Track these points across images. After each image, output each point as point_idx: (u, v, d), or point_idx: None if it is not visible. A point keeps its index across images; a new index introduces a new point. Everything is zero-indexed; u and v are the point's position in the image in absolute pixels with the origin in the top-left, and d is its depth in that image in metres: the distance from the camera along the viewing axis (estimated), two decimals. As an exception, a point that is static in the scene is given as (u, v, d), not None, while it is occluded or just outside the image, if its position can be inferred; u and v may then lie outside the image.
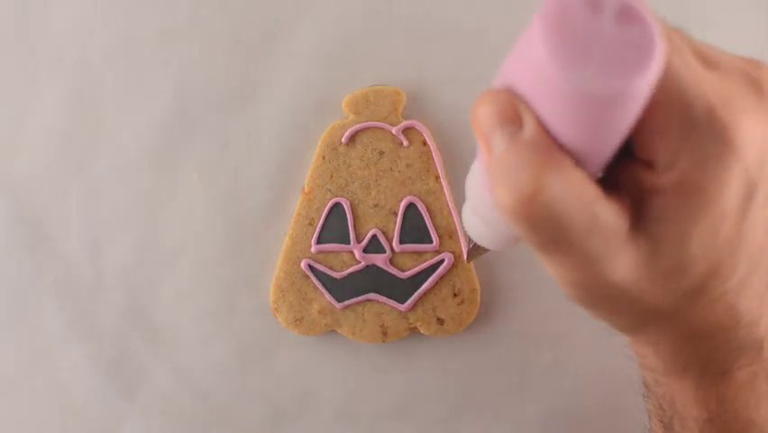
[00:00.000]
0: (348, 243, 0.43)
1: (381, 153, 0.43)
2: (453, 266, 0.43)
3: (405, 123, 0.43)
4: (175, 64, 0.44)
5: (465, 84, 0.44)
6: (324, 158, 0.43)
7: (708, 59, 0.25)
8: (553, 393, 0.45)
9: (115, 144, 0.44)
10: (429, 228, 0.43)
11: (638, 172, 0.24)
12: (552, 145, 0.23)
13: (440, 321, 0.44)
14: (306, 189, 0.43)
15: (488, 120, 0.24)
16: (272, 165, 0.44)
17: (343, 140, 0.43)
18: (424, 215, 0.43)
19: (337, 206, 0.43)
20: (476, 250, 0.33)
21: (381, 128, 0.43)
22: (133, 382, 0.45)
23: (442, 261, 0.43)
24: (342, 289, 0.43)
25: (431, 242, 0.43)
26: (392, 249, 0.43)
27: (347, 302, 0.43)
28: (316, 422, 0.45)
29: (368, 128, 0.43)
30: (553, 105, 0.23)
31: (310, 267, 0.43)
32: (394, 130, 0.43)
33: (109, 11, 0.44)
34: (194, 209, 0.44)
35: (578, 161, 0.23)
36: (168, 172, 0.44)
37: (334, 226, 0.43)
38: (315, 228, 0.43)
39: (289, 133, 0.44)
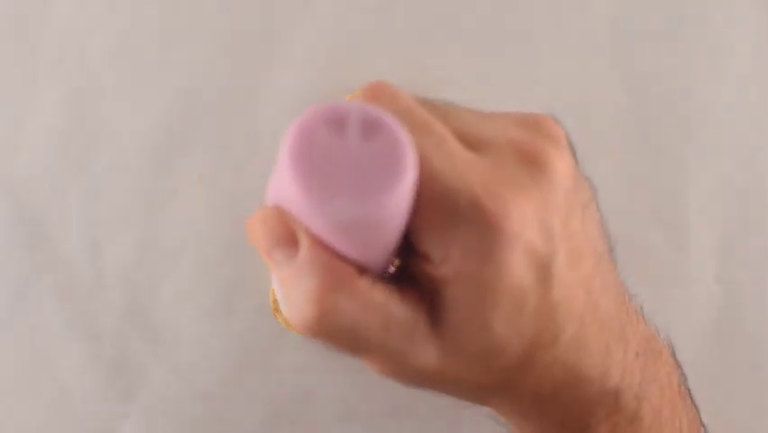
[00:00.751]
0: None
1: (381, 153, 0.43)
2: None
3: (405, 123, 0.43)
4: (175, 64, 0.44)
5: (465, 84, 0.44)
6: (324, 158, 0.43)
7: (479, 142, 0.24)
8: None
9: (115, 144, 0.44)
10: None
11: (421, 264, 0.24)
12: (329, 261, 0.23)
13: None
14: None
15: (264, 241, 0.24)
16: (272, 165, 0.44)
17: (343, 140, 0.43)
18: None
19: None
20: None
21: (381, 128, 0.43)
22: (133, 382, 0.45)
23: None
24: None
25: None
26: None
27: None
28: (316, 422, 0.45)
29: (368, 128, 0.43)
30: (318, 228, 0.22)
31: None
32: (394, 130, 0.43)
33: (109, 11, 0.44)
34: (194, 209, 0.44)
35: (360, 267, 0.23)
36: (168, 172, 0.44)
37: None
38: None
39: (289, 133, 0.44)
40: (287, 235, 0.24)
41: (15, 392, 0.45)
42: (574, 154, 0.26)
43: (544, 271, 0.23)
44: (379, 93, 0.24)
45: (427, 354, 0.24)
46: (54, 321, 0.44)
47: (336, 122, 0.22)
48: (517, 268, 0.23)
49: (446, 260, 0.23)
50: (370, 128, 0.22)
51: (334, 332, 0.23)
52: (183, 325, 0.44)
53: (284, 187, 0.23)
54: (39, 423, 0.45)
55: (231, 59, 0.44)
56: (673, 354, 0.32)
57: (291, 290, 0.23)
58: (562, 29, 0.45)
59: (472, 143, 0.24)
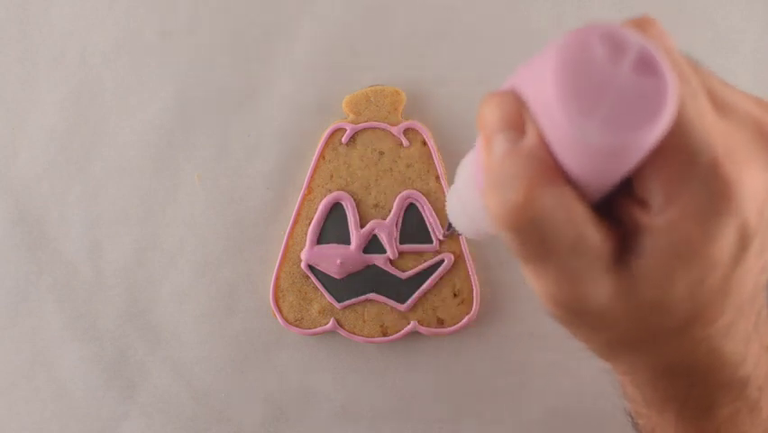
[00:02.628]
0: (348, 243, 0.43)
1: (381, 153, 0.43)
2: (453, 266, 0.43)
3: (405, 123, 0.43)
4: (175, 64, 0.44)
5: (465, 84, 0.44)
6: (324, 158, 0.43)
7: (722, 105, 0.24)
8: (553, 393, 0.45)
9: (115, 144, 0.44)
10: (429, 228, 0.43)
11: (632, 207, 0.24)
12: (548, 160, 0.22)
13: (440, 321, 0.44)
14: (306, 190, 0.43)
15: (492, 121, 0.24)
16: (272, 165, 0.44)
17: (343, 140, 0.43)
18: (424, 215, 0.43)
19: (337, 206, 0.43)
20: (452, 231, 0.34)
21: (381, 128, 0.43)
22: (133, 382, 0.45)
23: (442, 261, 0.43)
24: (342, 289, 0.43)
25: (431, 242, 0.43)
26: (392, 249, 0.43)
27: (347, 302, 0.43)
28: (316, 422, 0.45)
29: (368, 128, 0.43)
30: (555, 135, 0.22)
31: (310, 267, 0.43)
32: (394, 130, 0.43)
33: (109, 11, 0.44)
34: (194, 209, 0.44)
35: (573, 182, 0.23)
36: (168, 172, 0.44)
37: (334, 226, 0.43)
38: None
39: (289, 133, 0.44)
40: (517, 121, 0.23)
41: (15, 392, 0.45)
42: None
43: (741, 251, 0.24)
44: (649, 27, 0.23)
45: (600, 290, 0.24)
46: (54, 321, 0.44)
47: (614, 45, 0.21)
48: (726, 240, 0.23)
49: (665, 210, 0.23)
50: (645, 64, 0.21)
51: (527, 229, 0.23)
52: (183, 325, 0.44)
53: (538, 82, 0.22)
54: (39, 423, 0.45)
55: (231, 59, 0.44)
56: None
57: (502, 172, 0.23)
58: (562, 29, 0.45)
59: (717, 105, 0.24)
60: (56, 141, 0.44)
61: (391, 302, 0.43)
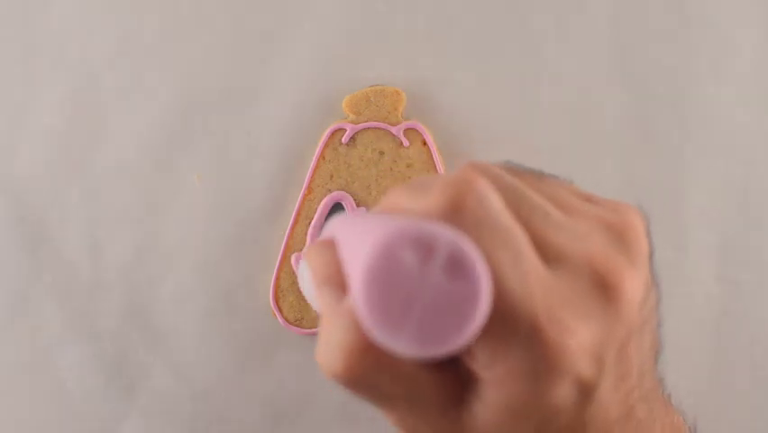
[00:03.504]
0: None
1: (382, 153, 0.43)
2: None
3: (405, 123, 0.43)
4: (175, 64, 0.44)
5: (465, 84, 0.44)
6: (324, 158, 0.43)
7: (554, 252, 0.23)
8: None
9: (115, 144, 0.44)
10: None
11: (466, 357, 0.23)
12: None
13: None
14: (306, 190, 0.43)
15: (319, 273, 0.24)
16: (272, 165, 0.44)
17: (343, 140, 0.43)
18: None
19: (337, 206, 0.43)
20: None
21: (382, 128, 0.43)
22: (133, 382, 0.45)
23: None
24: (343, 289, 0.43)
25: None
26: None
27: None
28: (316, 422, 0.45)
29: (368, 128, 0.43)
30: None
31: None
32: (394, 130, 0.43)
33: (109, 11, 0.44)
34: (194, 209, 0.44)
35: None
36: (168, 172, 0.44)
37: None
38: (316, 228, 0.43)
39: (289, 133, 0.44)
40: (339, 279, 0.24)
41: (15, 392, 0.45)
42: (652, 258, 0.25)
43: (585, 396, 0.23)
44: (467, 193, 0.22)
45: (442, 429, 0.24)
46: (54, 321, 0.44)
47: (423, 249, 0.21)
48: (562, 393, 0.23)
49: (491, 367, 0.22)
50: (455, 265, 0.21)
51: (355, 385, 0.23)
52: (183, 325, 0.44)
53: (353, 272, 0.22)
54: (39, 423, 0.45)
55: (231, 59, 0.44)
56: None
57: (327, 330, 0.23)
58: (562, 29, 0.45)
59: (549, 254, 0.23)
60: (56, 141, 0.44)
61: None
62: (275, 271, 0.43)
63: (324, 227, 0.26)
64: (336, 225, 0.25)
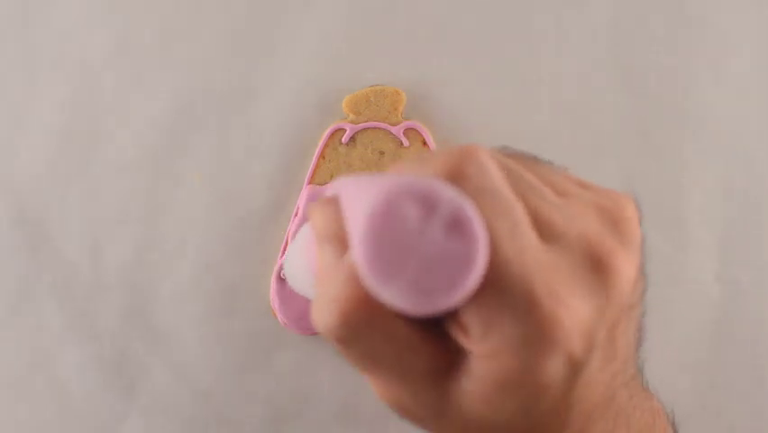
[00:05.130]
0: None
1: (382, 153, 0.43)
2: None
3: (405, 123, 0.43)
4: (175, 64, 0.44)
5: (465, 84, 0.44)
6: (324, 158, 0.43)
7: (549, 229, 0.23)
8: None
9: (115, 144, 0.44)
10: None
11: (457, 330, 0.23)
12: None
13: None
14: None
15: (320, 229, 0.25)
16: (272, 165, 0.44)
17: (343, 140, 0.43)
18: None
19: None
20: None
21: (382, 128, 0.43)
22: (133, 382, 0.45)
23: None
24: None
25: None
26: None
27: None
28: (316, 422, 0.45)
29: (368, 128, 0.43)
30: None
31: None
32: (394, 130, 0.43)
33: (109, 11, 0.44)
34: (194, 209, 0.44)
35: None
36: (168, 172, 0.44)
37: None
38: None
39: (289, 133, 0.44)
40: (341, 236, 0.24)
41: (15, 392, 0.45)
42: (643, 246, 0.25)
43: (573, 374, 0.23)
44: (468, 162, 0.23)
45: (426, 400, 0.24)
46: (54, 321, 0.44)
47: (426, 205, 0.21)
48: (551, 370, 0.23)
49: (483, 340, 0.22)
50: (456, 225, 0.21)
51: (345, 344, 0.23)
52: (183, 325, 0.44)
53: (353, 224, 0.22)
54: (39, 423, 0.45)
55: (231, 59, 0.44)
56: (674, 428, 0.32)
57: (324, 284, 0.23)
58: (562, 29, 0.45)
59: (544, 231, 0.23)
60: (56, 141, 0.44)
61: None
62: (275, 271, 0.43)
63: (329, 188, 0.26)
64: (340, 185, 0.25)
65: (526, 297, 0.22)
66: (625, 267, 0.23)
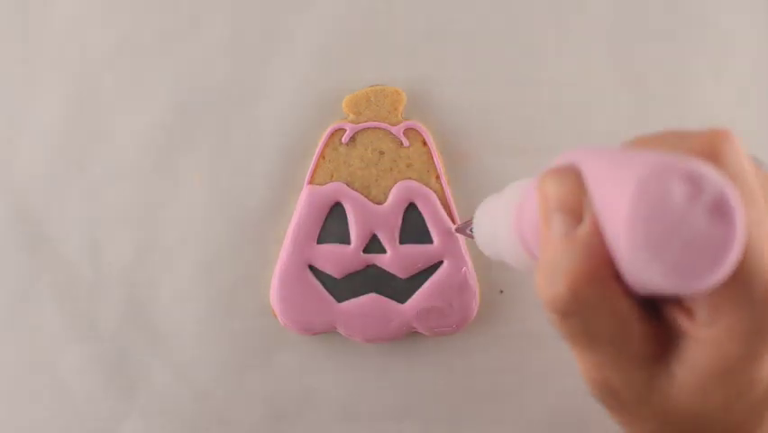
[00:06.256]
0: (348, 243, 0.43)
1: (382, 153, 0.43)
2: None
3: (405, 123, 0.43)
4: (175, 64, 0.44)
5: (465, 84, 0.44)
6: (324, 158, 0.43)
7: None
8: (553, 393, 0.45)
9: (115, 145, 0.44)
10: (429, 228, 0.43)
11: (679, 312, 0.23)
12: (600, 253, 0.23)
13: (440, 321, 0.44)
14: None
15: (553, 198, 0.24)
16: (272, 165, 0.44)
17: (343, 140, 0.43)
18: (424, 215, 0.43)
19: (337, 205, 0.43)
20: (468, 235, 0.35)
21: (382, 128, 0.43)
22: (133, 382, 0.45)
23: (441, 261, 0.43)
24: (343, 289, 0.43)
25: (431, 242, 0.43)
26: (392, 249, 0.43)
27: (347, 302, 0.43)
28: (316, 422, 0.45)
29: (368, 128, 0.43)
30: (613, 246, 0.22)
31: (310, 267, 0.43)
32: (394, 130, 0.43)
33: (109, 11, 0.44)
34: (194, 209, 0.44)
35: (622, 277, 0.23)
36: (168, 172, 0.44)
37: (334, 226, 0.43)
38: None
39: (289, 133, 0.44)
40: (576, 205, 0.23)
41: (15, 392, 0.45)
42: None
43: None
44: (728, 145, 0.23)
45: (635, 383, 0.24)
46: (54, 321, 0.44)
47: (693, 185, 0.21)
48: (767, 363, 0.23)
49: (709, 326, 0.22)
50: (719, 209, 0.21)
51: (568, 316, 0.23)
52: (183, 325, 0.44)
53: (608, 193, 0.22)
54: (39, 423, 0.45)
55: (231, 58, 0.44)
56: None
57: (553, 259, 0.23)
58: (562, 29, 0.45)
59: None
60: (56, 141, 0.44)
61: (391, 302, 0.43)
62: (275, 271, 0.43)
63: (561, 158, 0.26)
64: (578, 156, 0.25)
65: (765, 288, 0.22)
66: None
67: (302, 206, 0.43)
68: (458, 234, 0.43)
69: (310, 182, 0.43)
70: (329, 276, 0.43)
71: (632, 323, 0.23)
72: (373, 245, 0.43)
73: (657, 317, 0.24)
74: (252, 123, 0.44)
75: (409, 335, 0.44)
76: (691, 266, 0.21)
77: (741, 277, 0.22)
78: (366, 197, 0.43)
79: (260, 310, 0.44)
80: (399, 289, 0.43)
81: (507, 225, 0.28)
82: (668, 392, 0.24)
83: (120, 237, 0.44)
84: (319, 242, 0.43)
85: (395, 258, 0.43)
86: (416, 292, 0.43)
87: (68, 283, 0.44)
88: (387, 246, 0.43)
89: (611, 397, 0.25)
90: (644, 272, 0.21)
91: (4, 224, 0.44)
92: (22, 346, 0.45)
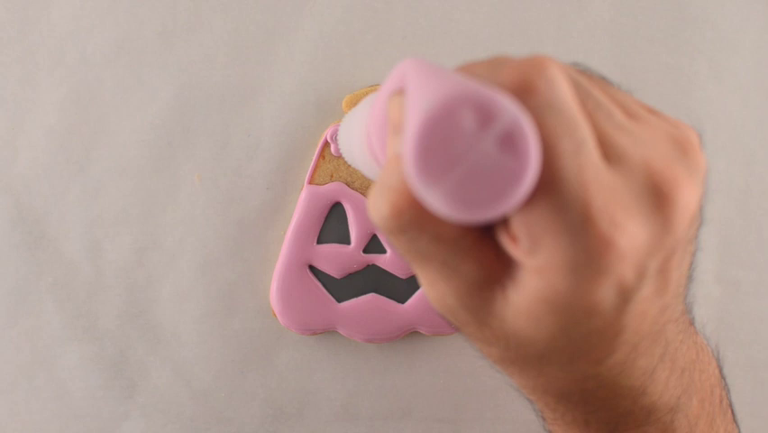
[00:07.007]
0: (348, 243, 0.43)
1: (381, 153, 0.43)
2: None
3: (405, 123, 0.43)
4: (175, 64, 0.44)
5: (465, 84, 0.44)
6: (323, 158, 0.43)
7: (614, 150, 0.23)
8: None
9: (115, 144, 0.44)
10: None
11: (507, 240, 0.23)
12: None
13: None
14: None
15: (394, 120, 0.24)
16: (272, 165, 0.44)
17: (343, 140, 0.43)
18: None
19: (337, 205, 0.43)
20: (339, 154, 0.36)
21: (381, 128, 0.43)
22: (133, 381, 0.45)
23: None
24: (343, 289, 0.43)
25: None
26: (392, 249, 0.43)
27: (347, 302, 0.43)
28: (316, 422, 0.45)
29: (368, 128, 0.43)
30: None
31: (310, 267, 0.43)
32: (394, 130, 0.43)
33: (109, 11, 0.44)
34: (194, 209, 0.44)
35: None
36: (168, 172, 0.44)
37: (334, 226, 0.43)
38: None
39: (289, 133, 0.44)
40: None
41: (15, 392, 0.45)
42: (704, 183, 0.25)
43: (623, 302, 0.23)
44: (539, 75, 0.22)
45: (470, 304, 0.24)
46: (54, 321, 0.44)
47: (484, 116, 0.21)
48: (601, 295, 0.22)
49: (533, 253, 0.22)
50: (510, 141, 0.20)
51: (393, 233, 0.23)
52: (183, 325, 0.44)
53: (407, 123, 0.22)
54: (39, 423, 0.45)
55: (231, 58, 0.44)
56: (720, 368, 0.31)
57: (384, 177, 0.23)
58: (562, 29, 0.45)
59: (610, 152, 0.23)
60: (56, 141, 0.44)
61: (391, 302, 0.43)
62: (275, 271, 0.43)
63: (393, 71, 0.26)
64: (409, 71, 0.25)
65: (581, 214, 0.21)
66: (688, 197, 0.23)
67: (302, 206, 0.43)
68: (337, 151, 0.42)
69: (310, 182, 0.43)
70: (329, 276, 0.43)
71: (461, 247, 0.23)
72: (373, 245, 0.43)
73: (496, 245, 0.23)
74: (252, 123, 0.44)
75: (409, 335, 0.44)
76: (474, 196, 0.21)
77: (556, 205, 0.21)
78: (366, 197, 0.43)
79: (260, 310, 0.44)
80: (399, 289, 0.43)
81: (361, 142, 0.28)
82: (504, 317, 0.23)
83: (120, 237, 0.44)
84: (319, 242, 0.43)
85: (395, 258, 0.43)
86: (416, 292, 0.43)
87: (68, 283, 0.44)
88: (387, 246, 0.43)
89: (451, 316, 0.25)
90: (426, 199, 0.21)
91: (4, 224, 0.44)
92: (22, 346, 0.45)
